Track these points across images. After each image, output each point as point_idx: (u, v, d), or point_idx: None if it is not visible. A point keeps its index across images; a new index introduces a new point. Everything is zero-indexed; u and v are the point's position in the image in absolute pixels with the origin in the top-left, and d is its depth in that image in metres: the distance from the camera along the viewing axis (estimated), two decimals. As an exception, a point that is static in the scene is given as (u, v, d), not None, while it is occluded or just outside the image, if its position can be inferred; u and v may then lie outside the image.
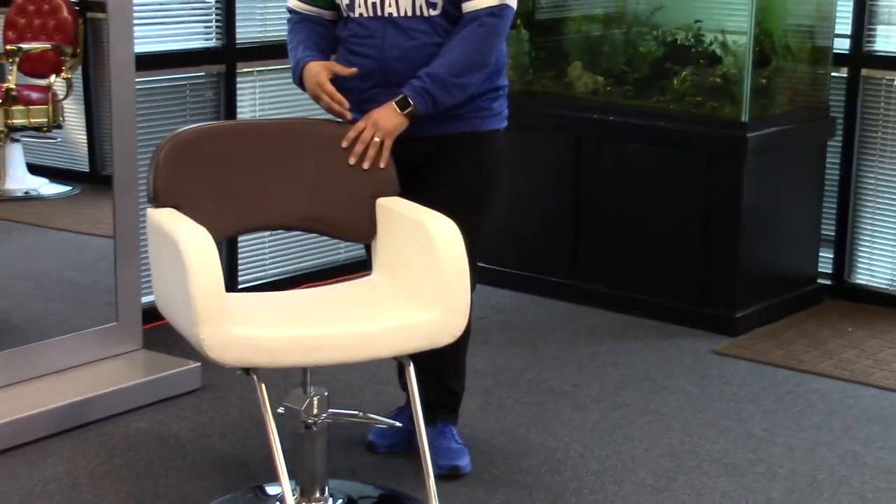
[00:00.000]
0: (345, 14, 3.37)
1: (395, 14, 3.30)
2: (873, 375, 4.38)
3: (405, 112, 3.25)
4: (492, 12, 3.31)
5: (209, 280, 2.86)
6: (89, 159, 4.79)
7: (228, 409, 3.96)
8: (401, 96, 3.25)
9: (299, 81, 3.34)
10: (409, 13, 3.30)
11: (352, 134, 3.26)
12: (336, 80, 3.33)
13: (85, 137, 4.77)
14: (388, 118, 3.25)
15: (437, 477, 3.15)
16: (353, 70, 3.29)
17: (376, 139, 3.25)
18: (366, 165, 3.26)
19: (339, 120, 3.33)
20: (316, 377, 3.17)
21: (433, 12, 3.30)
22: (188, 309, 2.87)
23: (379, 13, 3.30)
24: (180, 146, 3.20)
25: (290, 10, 3.46)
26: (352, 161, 3.26)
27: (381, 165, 3.26)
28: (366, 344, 3.01)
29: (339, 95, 3.26)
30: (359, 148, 3.25)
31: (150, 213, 3.15)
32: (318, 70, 3.28)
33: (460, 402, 3.67)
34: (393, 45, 3.31)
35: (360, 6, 3.31)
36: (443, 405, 3.60)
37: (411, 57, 3.30)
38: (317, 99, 3.30)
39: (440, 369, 3.47)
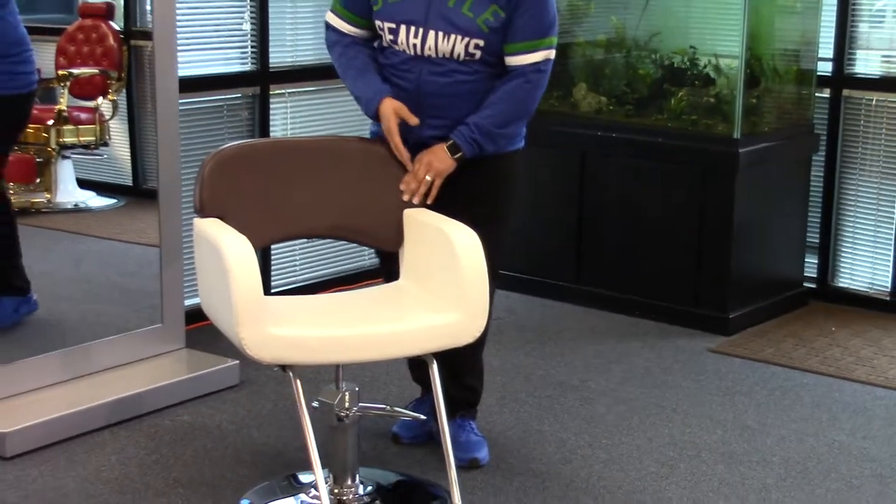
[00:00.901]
0: (385, 44, 3.34)
1: (433, 56, 3.28)
2: (856, 371, 4.38)
3: (455, 157, 3.26)
4: (538, 69, 3.29)
5: (249, 284, 2.87)
6: (132, 174, 4.81)
7: (265, 403, 3.96)
8: (451, 142, 3.25)
9: (375, 114, 3.29)
10: (447, 56, 3.27)
11: (408, 177, 3.26)
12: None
13: (129, 154, 4.79)
14: (440, 161, 3.25)
15: (457, 467, 3.14)
16: (417, 121, 3.26)
17: (428, 178, 3.25)
18: (416, 201, 3.27)
19: (367, 138, 3.34)
20: (345, 373, 3.17)
21: (469, 59, 3.28)
22: (230, 311, 2.88)
23: (419, 53, 3.28)
24: (223, 162, 3.20)
25: (336, 31, 3.39)
26: (406, 198, 3.26)
27: (429, 202, 3.27)
28: (394, 343, 3.02)
29: (404, 150, 3.24)
30: (413, 186, 3.26)
31: (196, 223, 3.15)
32: (390, 115, 3.24)
33: (479, 398, 3.66)
34: (428, 82, 3.29)
35: (402, 43, 3.28)
36: (462, 400, 3.59)
37: (445, 93, 3.29)
38: (388, 137, 3.26)
39: (459, 367, 3.46)
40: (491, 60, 3.29)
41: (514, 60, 3.28)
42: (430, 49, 3.26)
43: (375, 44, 3.40)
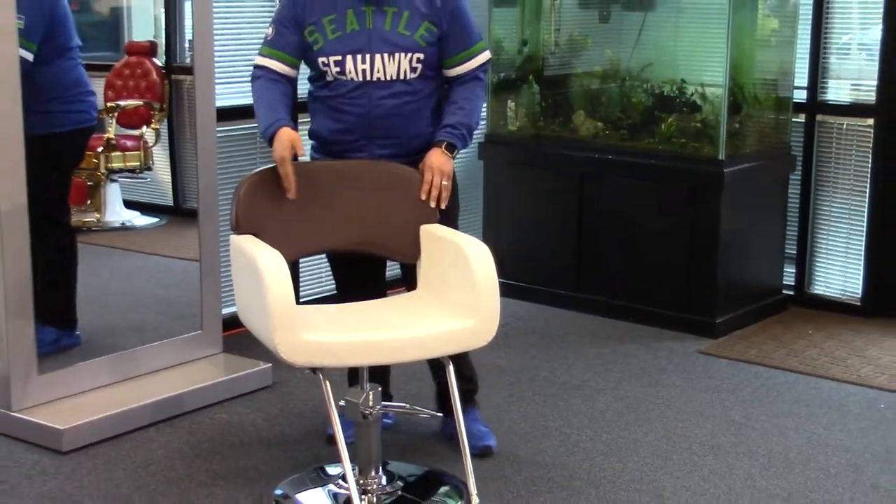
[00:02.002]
0: (330, 78, 3.33)
1: (381, 78, 3.30)
2: (831, 370, 4.36)
3: (453, 154, 3.33)
4: (484, 69, 3.43)
5: (282, 295, 2.87)
6: (173, 195, 4.82)
7: (296, 403, 3.96)
8: (445, 143, 3.30)
9: (270, 140, 3.24)
10: (393, 77, 3.30)
11: (426, 187, 3.27)
12: (322, 131, 3.39)
13: (170, 177, 4.80)
14: (444, 163, 3.30)
15: (471, 456, 3.15)
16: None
17: (444, 182, 3.28)
18: (443, 206, 3.29)
19: (384, 161, 3.34)
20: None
21: (413, 76, 3.32)
22: (265, 319, 2.88)
23: (368, 78, 3.29)
24: (257, 184, 3.21)
25: (259, 66, 3.36)
26: (433, 204, 3.28)
27: (443, 206, 3.29)
28: (415, 346, 3.02)
29: (293, 179, 3.18)
30: (434, 193, 3.27)
31: (233, 240, 3.16)
32: (287, 145, 3.17)
33: (478, 388, 3.66)
34: (377, 105, 3.31)
35: (350, 72, 3.29)
36: (468, 392, 3.58)
37: (394, 114, 3.32)
38: (279, 163, 3.19)
39: (457, 365, 3.38)
40: (431, 75, 3.36)
41: (459, 69, 3.39)
42: (378, 72, 3.29)
43: (317, 83, 3.39)
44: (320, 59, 3.31)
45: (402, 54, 3.28)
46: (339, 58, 3.28)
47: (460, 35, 3.35)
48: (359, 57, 3.28)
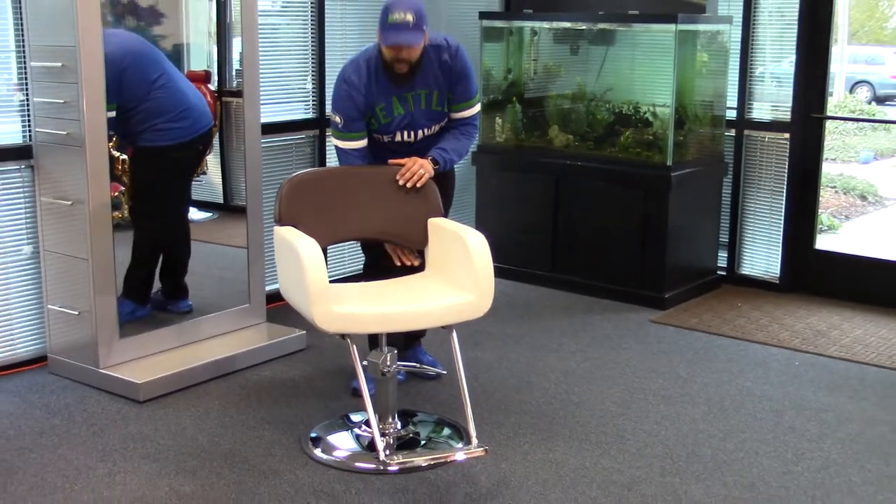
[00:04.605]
0: (379, 139, 3.45)
1: (420, 138, 3.44)
2: (756, 335, 4.36)
3: (435, 167, 3.36)
4: (475, 117, 3.51)
5: (318, 275, 2.86)
6: (223, 194, 4.77)
7: (325, 363, 3.94)
8: (432, 157, 3.37)
9: None
10: (426, 134, 3.44)
11: (403, 170, 3.29)
12: (378, 147, 3.43)
13: (220, 179, 4.76)
14: (426, 164, 3.33)
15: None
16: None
17: (421, 171, 3.29)
18: (410, 185, 3.28)
19: (399, 166, 3.33)
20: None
21: (438, 128, 3.47)
22: (304, 295, 2.87)
23: (411, 140, 3.43)
24: (296, 185, 3.20)
25: (343, 149, 3.38)
26: (401, 182, 3.28)
27: (419, 185, 3.29)
28: (425, 316, 3.02)
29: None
30: (408, 175, 3.28)
31: (276, 230, 3.14)
32: None
33: (424, 335, 3.80)
34: (415, 150, 3.41)
35: (398, 139, 3.42)
36: (418, 335, 3.75)
37: (420, 147, 3.43)
38: None
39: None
40: (445, 121, 3.49)
41: (458, 115, 3.47)
42: (419, 137, 3.44)
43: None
44: (375, 135, 3.44)
45: (438, 125, 3.45)
46: (391, 135, 3.43)
47: (465, 91, 3.42)
48: (405, 133, 3.43)
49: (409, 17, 3.18)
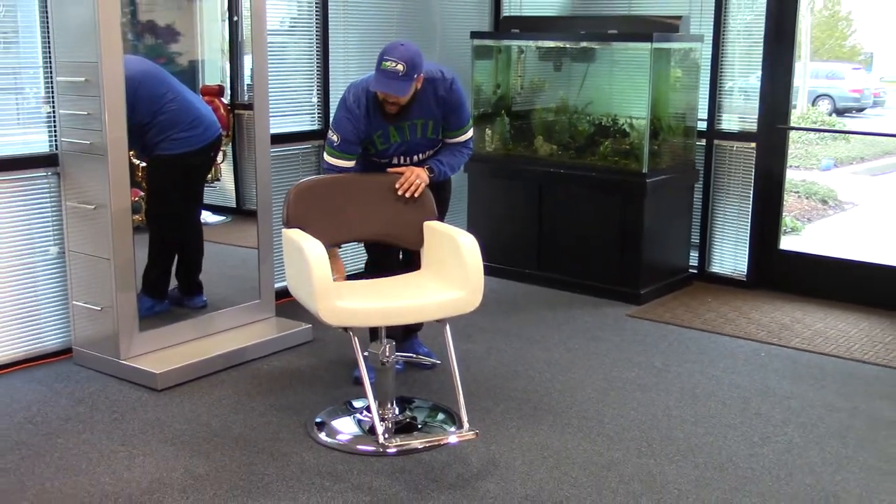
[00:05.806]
0: (380, 161, 3.45)
1: (415, 160, 3.43)
2: (725, 328, 4.37)
3: (430, 176, 3.35)
4: (468, 141, 3.49)
5: (323, 273, 2.87)
6: (236, 199, 4.76)
7: (330, 354, 3.94)
8: (429, 167, 3.37)
9: None
10: (423, 157, 3.44)
11: (402, 179, 3.28)
12: (375, 167, 3.42)
13: (233, 186, 4.76)
14: (422, 173, 3.32)
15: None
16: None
17: (418, 181, 3.28)
18: (408, 196, 3.28)
19: (397, 175, 3.33)
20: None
21: (432, 151, 3.47)
22: (310, 291, 2.87)
23: (407, 163, 3.42)
24: (303, 190, 3.20)
25: (331, 166, 3.33)
26: (400, 192, 3.28)
27: (416, 195, 3.29)
28: (421, 311, 3.02)
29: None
30: (406, 186, 3.28)
31: (284, 232, 3.14)
32: None
33: (421, 328, 3.81)
34: (415, 164, 3.42)
35: (395, 160, 3.42)
36: (414, 329, 3.75)
37: (416, 164, 3.43)
38: None
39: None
40: (439, 145, 3.48)
41: (452, 140, 3.47)
42: (416, 161, 3.43)
43: (365, 153, 3.45)
44: (373, 158, 3.43)
45: (431, 150, 3.44)
46: (388, 158, 3.43)
47: (458, 120, 3.42)
48: (401, 158, 3.42)
49: (400, 67, 3.12)
